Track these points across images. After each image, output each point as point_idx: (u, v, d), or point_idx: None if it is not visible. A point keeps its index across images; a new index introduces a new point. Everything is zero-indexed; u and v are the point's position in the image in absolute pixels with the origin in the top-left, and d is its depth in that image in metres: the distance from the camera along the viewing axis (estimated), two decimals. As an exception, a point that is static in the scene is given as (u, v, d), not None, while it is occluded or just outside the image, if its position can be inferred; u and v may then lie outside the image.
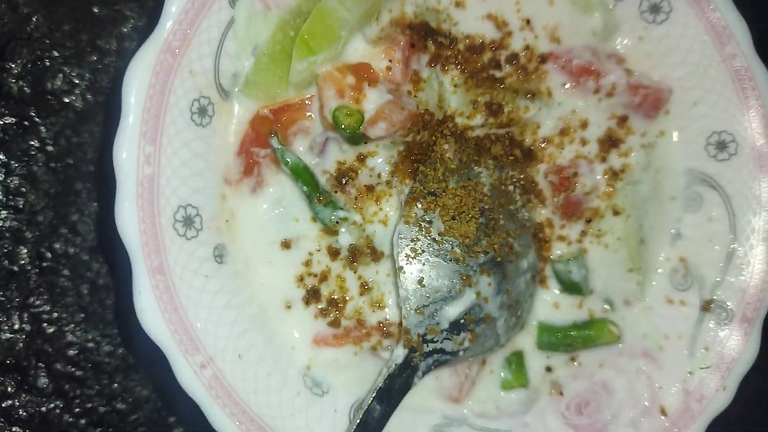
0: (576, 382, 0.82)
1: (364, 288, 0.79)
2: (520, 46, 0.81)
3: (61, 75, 0.85)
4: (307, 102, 0.76)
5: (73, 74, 0.85)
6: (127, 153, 0.66)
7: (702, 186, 0.84)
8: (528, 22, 0.81)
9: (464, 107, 0.81)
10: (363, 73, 0.73)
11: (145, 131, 0.67)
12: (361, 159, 0.78)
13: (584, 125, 0.82)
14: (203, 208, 0.72)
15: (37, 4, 0.85)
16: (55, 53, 0.85)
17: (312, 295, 0.77)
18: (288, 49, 0.74)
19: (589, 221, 0.82)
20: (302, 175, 0.76)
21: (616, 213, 0.83)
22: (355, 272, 0.79)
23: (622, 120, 0.83)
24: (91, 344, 0.85)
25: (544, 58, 0.82)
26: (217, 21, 0.70)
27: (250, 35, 0.73)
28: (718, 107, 0.82)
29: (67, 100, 0.85)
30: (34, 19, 0.85)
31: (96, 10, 0.86)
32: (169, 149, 0.69)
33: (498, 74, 0.81)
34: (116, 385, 0.85)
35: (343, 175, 0.78)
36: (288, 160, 0.76)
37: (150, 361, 0.76)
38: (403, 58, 0.77)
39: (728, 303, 0.81)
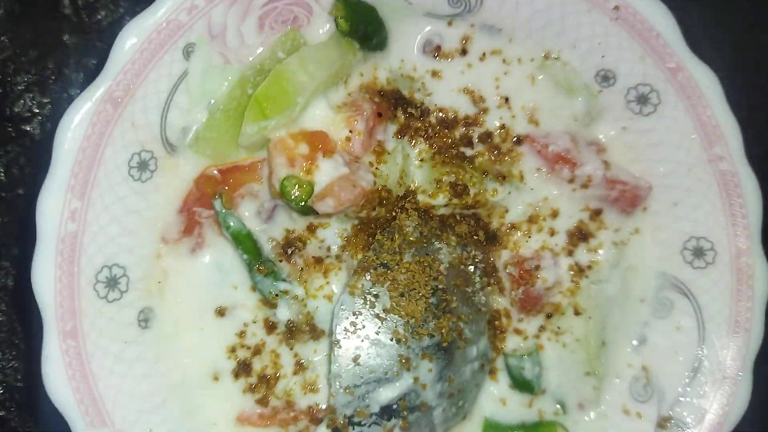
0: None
1: (299, 367, 0.74)
2: (495, 125, 0.77)
3: (21, 102, 0.81)
4: (258, 164, 0.71)
5: (34, 102, 0.81)
6: (50, 208, 0.62)
7: (674, 292, 0.78)
8: (507, 99, 0.77)
9: (428, 184, 0.76)
10: (318, 143, 0.68)
11: (74, 185, 0.62)
12: (312, 229, 0.73)
13: (555, 214, 0.77)
14: (132, 269, 0.67)
15: (5, 26, 0.81)
16: (18, 78, 0.81)
17: (242, 369, 0.72)
18: (243, 107, 0.69)
19: (549, 316, 0.77)
20: (243, 242, 0.72)
21: (577, 312, 0.77)
22: (291, 349, 0.74)
23: (596, 213, 0.78)
24: (19, 383, 0.81)
25: (519, 140, 0.77)
26: (168, 73, 0.65)
27: (205, 89, 0.68)
28: (700, 211, 0.77)
29: (25, 128, 0.81)
30: (0, 42, 0.81)
31: (66, 38, 0.82)
32: (99, 205, 0.64)
33: (468, 152, 0.76)
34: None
35: (290, 245, 0.73)
36: (230, 224, 0.71)
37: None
38: (366, 128, 0.72)
39: (687, 422, 0.76)
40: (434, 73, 0.75)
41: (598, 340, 0.78)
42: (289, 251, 0.72)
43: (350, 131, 0.71)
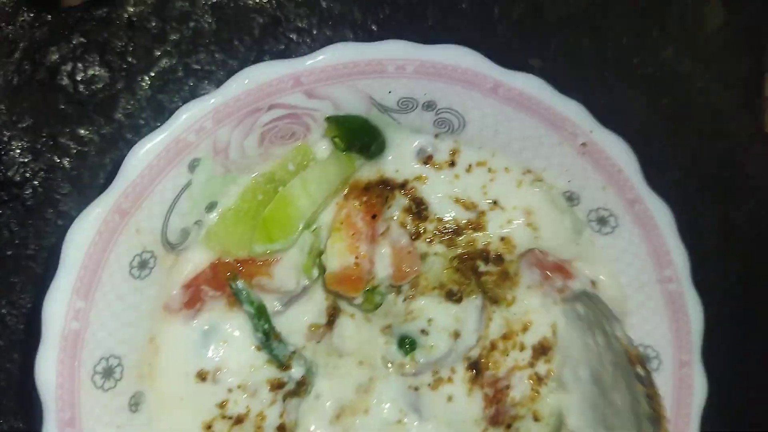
0: None
1: (282, 429, 0.79)
2: (498, 233, 0.83)
3: (15, 167, 0.85)
4: (271, 262, 0.77)
5: (27, 168, 0.85)
6: (56, 308, 0.66)
7: (620, 394, 0.86)
8: (495, 202, 0.83)
9: (432, 279, 0.81)
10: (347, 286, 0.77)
11: (79, 287, 0.67)
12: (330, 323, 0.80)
13: (525, 329, 0.85)
14: (126, 357, 0.72)
15: (3, 94, 0.84)
16: (13, 144, 0.84)
17: None
18: (252, 211, 0.75)
19: (509, 426, 0.84)
20: (264, 314, 0.77)
21: (536, 419, 0.85)
22: (284, 401, 0.79)
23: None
24: None
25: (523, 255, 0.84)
26: (173, 185, 0.71)
27: (205, 195, 0.74)
28: (649, 323, 0.85)
29: (17, 192, 0.85)
30: None
31: (62, 107, 0.86)
32: (101, 304, 0.69)
33: (482, 267, 0.82)
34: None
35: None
36: (253, 299, 0.77)
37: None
38: (369, 245, 0.78)
39: None
40: (423, 180, 0.81)
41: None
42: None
43: (356, 257, 0.77)
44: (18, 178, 0.85)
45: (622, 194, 0.81)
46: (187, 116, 0.69)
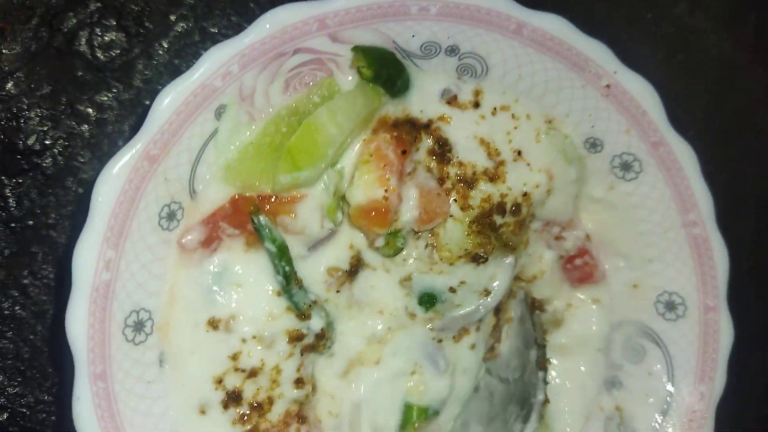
0: None
1: (300, 383, 0.78)
2: (520, 189, 0.82)
3: (34, 136, 0.83)
4: (296, 199, 0.75)
5: (47, 136, 0.84)
6: (86, 258, 0.65)
7: (646, 340, 0.86)
8: (519, 153, 0.82)
9: (454, 246, 0.80)
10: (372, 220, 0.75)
11: (109, 236, 0.66)
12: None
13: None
14: (156, 312, 0.71)
15: (21, 61, 0.83)
16: (32, 113, 0.83)
17: (232, 399, 0.75)
18: (276, 144, 0.73)
19: None
20: (286, 254, 0.75)
21: None
22: (302, 356, 0.77)
23: None
24: (23, 410, 0.83)
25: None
26: (201, 131, 0.70)
27: (231, 142, 0.73)
28: (673, 268, 0.85)
29: (37, 161, 0.84)
30: (15, 76, 0.83)
31: (80, 73, 0.85)
32: (131, 254, 0.68)
33: (499, 221, 0.81)
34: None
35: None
36: (276, 237, 0.74)
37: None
38: (398, 178, 0.76)
39: (657, 461, 0.84)
40: (447, 120, 0.80)
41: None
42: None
43: (385, 190, 0.75)
44: (38, 147, 0.84)
45: (646, 137, 0.81)
46: (213, 60, 0.68)
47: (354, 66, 0.74)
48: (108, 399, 0.66)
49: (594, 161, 0.84)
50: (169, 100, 0.67)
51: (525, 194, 0.82)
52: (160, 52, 0.87)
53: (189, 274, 0.73)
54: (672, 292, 0.85)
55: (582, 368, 0.88)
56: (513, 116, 0.81)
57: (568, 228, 0.87)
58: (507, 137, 0.81)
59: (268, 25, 0.68)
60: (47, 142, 0.84)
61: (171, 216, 0.70)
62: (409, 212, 0.77)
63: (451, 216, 0.80)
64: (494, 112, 0.80)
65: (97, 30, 0.85)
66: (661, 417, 0.84)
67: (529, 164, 0.82)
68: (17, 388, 0.83)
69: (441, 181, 0.79)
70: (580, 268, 0.87)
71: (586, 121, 0.82)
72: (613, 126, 0.82)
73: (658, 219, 0.85)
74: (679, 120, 0.81)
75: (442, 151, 0.79)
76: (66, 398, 0.67)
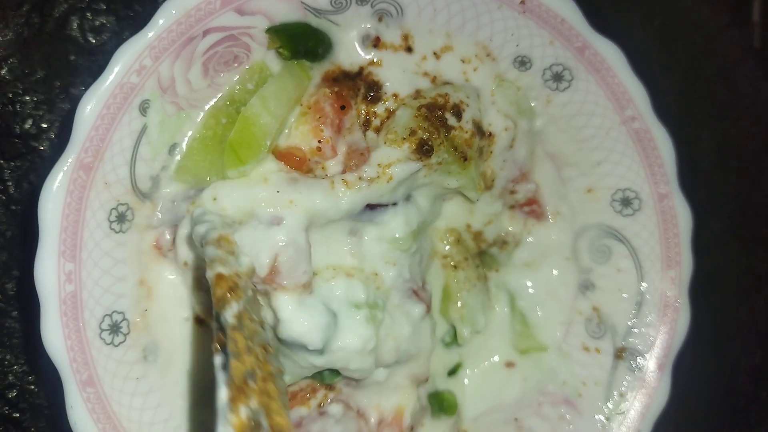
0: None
1: None
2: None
3: (30, 120, 0.85)
4: None
5: (43, 120, 0.86)
6: (47, 274, 0.67)
7: (610, 239, 0.89)
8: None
9: (400, 129, 0.79)
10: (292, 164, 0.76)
11: (64, 250, 0.68)
12: None
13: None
14: (129, 311, 0.73)
15: (14, 47, 0.85)
16: (27, 98, 0.85)
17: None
18: (218, 137, 0.75)
19: None
20: None
21: None
22: None
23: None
24: (32, 386, 0.87)
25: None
26: (129, 131, 0.70)
27: (164, 138, 0.74)
28: (621, 166, 0.87)
29: (34, 144, 0.86)
30: (9, 62, 0.85)
31: (72, 57, 0.86)
32: (89, 263, 0.70)
33: (452, 122, 0.80)
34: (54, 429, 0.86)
35: None
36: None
37: None
38: (334, 131, 0.77)
39: (639, 350, 0.87)
40: (378, 64, 0.80)
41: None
42: None
43: (319, 141, 0.77)
44: (34, 130, 0.85)
45: (570, 44, 0.82)
46: (125, 58, 0.68)
47: (271, 48, 0.75)
48: (101, 402, 0.69)
49: (525, 79, 0.86)
50: (90, 107, 0.68)
51: (490, 134, 0.84)
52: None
53: (162, 271, 0.76)
54: (625, 188, 0.88)
55: (554, 277, 0.91)
56: (462, 61, 0.82)
57: (521, 181, 0.89)
58: (463, 76, 0.83)
59: (174, 11, 0.68)
60: (43, 126, 0.86)
61: (121, 218, 0.72)
62: (334, 166, 0.78)
63: (404, 104, 0.80)
64: (437, 55, 0.81)
65: (88, 14, 0.87)
66: (637, 308, 0.87)
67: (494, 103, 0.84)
68: (24, 367, 0.86)
69: (367, 123, 0.80)
70: (528, 213, 0.90)
71: (510, 41, 0.83)
72: (537, 40, 0.82)
73: (598, 122, 0.86)
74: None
75: (374, 93, 0.79)
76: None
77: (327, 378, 0.79)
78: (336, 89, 0.79)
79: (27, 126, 0.85)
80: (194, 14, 0.70)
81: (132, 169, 0.72)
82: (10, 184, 0.85)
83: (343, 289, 0.73)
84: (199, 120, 0.75)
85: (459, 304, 0.86)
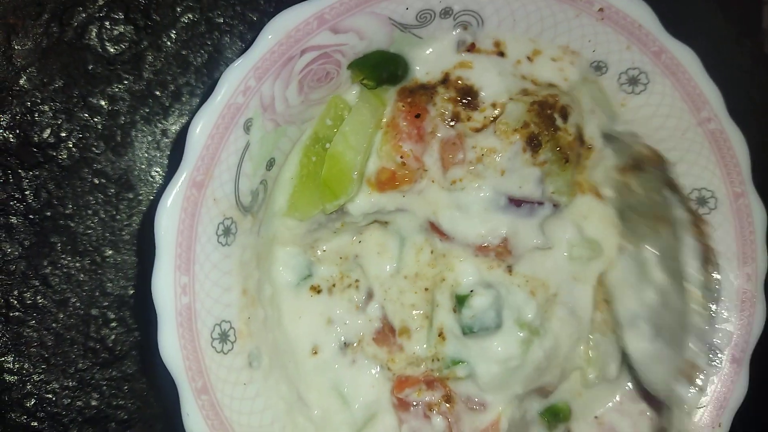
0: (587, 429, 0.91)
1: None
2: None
3: (49, 129, 0.87)
4: None
5: (62, 129, 0.88)
6: (164, 288, 0.70)
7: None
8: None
9: (513, 120, 0.83)
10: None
11: (179, 264, 0.71)
12: None
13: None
14: (235, 321, 0.77)
15: (32, 57, 0.87)
16: (45, 107, 0.87)
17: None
18: (312, 174, 0.80)
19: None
20: None
21: None
22: None
23: None
24: (49, 395, 0.89)
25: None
26: (235, 149, 0.73)
27: (263, 153, 0.77)
28: (697, 166, 0.89)
29: (52, 154, 0.88)
30: (28, 72, 0.87)
31: (91, 67, 0.88)
32: (201, 275, 0.73)
33: (559, 123, 0.84)
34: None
35: None
36: None
37: None
38: (415, 142, 0.81)
39: (717, 345, 0.89)
40: (467, 65, 0.83)
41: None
42: None
43: (401, 157, 0.81)
44: (52, 140, 0.87)
45: (647, 48, 0.84)
46: (231, 79, 0.71)
47: (356, 81, 0.79)
48: (214, 409, 0.73)
49: (603, 83, 0.87)
50: (201, 127, 0.70)
51: (590, 147, 0.87)
52: (168, 43, 0.90)
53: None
54: (701, 188, 0.89)
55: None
56: (553, 59, 0.85)
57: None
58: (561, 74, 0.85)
59: (270, 35, 0.71)
60: (62, 135, 0.88)
61: (227, 231, 0.75)
62: (432, 164, 0.82)
63: (511, 99, 0.84)
64: (530, 59, 0.84)
65: (106, 23, 0.88)
66: (714, 305, 0.89)
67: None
68: (42, 375, 0.89)
69: (455, 117, 0.83)
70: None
71: (588, 46, 0.85)
72: (613, 45, 0.84)
73: (673, 123, 0.88)
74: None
75: (470, 100, 0.83)
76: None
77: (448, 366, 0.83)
78: (408, 100, 0.82)
79: (45, 135, 0.86)
80: (294, 35, 0.73)
81: (236, 185, 0.75)
82: (28, 193, 0.87)
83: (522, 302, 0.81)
84: (292, 136, 0.79)
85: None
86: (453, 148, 0.82)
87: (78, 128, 0.88)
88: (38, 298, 0.88)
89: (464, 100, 0.83)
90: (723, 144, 0.88)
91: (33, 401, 0.88)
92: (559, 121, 0.83)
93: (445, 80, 0.83)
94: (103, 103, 0.88)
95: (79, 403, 0.89)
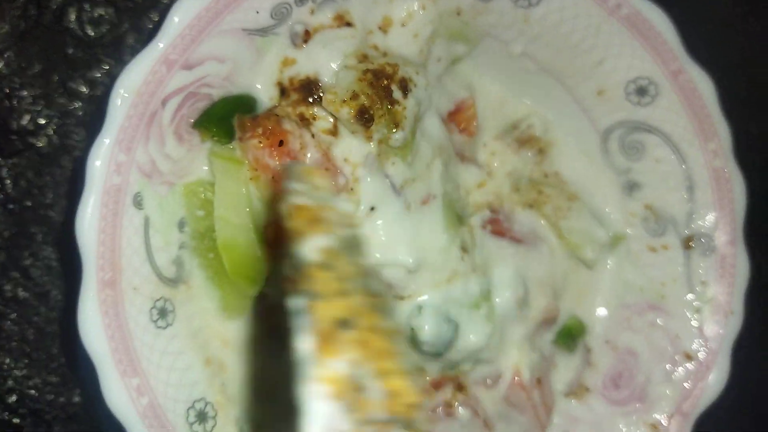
0: (603, 358, 0.87)
1: None
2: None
3: (28, 116, 0.83)
4: None
5: (41, 115, 0.84)
6: (119, 400, 0.66)
7: (638, 133, 0.85)
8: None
9: (342, 90, 0.71)
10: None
11: (124, 370, 0.66)
12: None
13: None
14: (208, 395, 0.72)
15: (10, 41, 0.83)
16: (24, 93, 0.83)
17: None
18: (221, 270, 0.73)
19: None
20: None
21: None
22: None
23: None
24: (32, 391, 0.86)
25: None
26: (134, 229, 0.68)
27: (168, 219, 0.71)
28: (624, 57, 0.82)
29: (31, 141, 0.84)
30: (6, 56, 0.83)
31: (70, 51, 0.84)
32: (152, 368, 0.68)
33: (397, 95, 0.72)
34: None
35: None
36: None
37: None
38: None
39: (705, 232, 0.84)
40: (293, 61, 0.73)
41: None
42: None
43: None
44: (32, 126, 0.83)
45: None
46: (98, 163, 0.64)
47: (206, 140, 0.71)
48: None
49: (491, 6, 0.80)
50: (87, 224, 0.64)
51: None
52: (149, 26, 0.85)
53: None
54: (635, 78, 0.83)
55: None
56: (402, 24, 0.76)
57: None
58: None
59: (119, 100, 0.64)
60: (41, 122, 0.84)
61: (162, 313, 0.70)
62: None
63: (346, 66, 0.72)
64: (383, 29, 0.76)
65: (86, 6, 0.84)
66: (689, 193, 0.84)
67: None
68: (24, 371, 0.85)
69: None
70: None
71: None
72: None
73: (584, 22, 0.80)
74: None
75: (308, 93, 0.72)
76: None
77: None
78: (259, 131, 0.71)
79: (24, 122, 0.82)
80: (146, 90, 0.66)
81: (153, 263, 0.69)
82: (8, 182, 0.83)
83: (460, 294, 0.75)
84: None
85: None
86: (329, 174, 0.71)
87: (58, 114, 0.83)
88: (19, 290, 0.84)
89: (312, 98, 0.72)
90: (642, 25, 0.80)
91: (14, 397, 0.84)
92: (397, 94, 0.72)
93: (283, 89, 0.73)
94: (83, 88, 0.84)
95: (62, 399, 0.86)
